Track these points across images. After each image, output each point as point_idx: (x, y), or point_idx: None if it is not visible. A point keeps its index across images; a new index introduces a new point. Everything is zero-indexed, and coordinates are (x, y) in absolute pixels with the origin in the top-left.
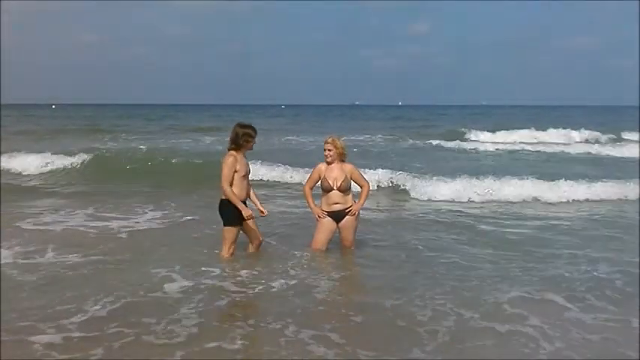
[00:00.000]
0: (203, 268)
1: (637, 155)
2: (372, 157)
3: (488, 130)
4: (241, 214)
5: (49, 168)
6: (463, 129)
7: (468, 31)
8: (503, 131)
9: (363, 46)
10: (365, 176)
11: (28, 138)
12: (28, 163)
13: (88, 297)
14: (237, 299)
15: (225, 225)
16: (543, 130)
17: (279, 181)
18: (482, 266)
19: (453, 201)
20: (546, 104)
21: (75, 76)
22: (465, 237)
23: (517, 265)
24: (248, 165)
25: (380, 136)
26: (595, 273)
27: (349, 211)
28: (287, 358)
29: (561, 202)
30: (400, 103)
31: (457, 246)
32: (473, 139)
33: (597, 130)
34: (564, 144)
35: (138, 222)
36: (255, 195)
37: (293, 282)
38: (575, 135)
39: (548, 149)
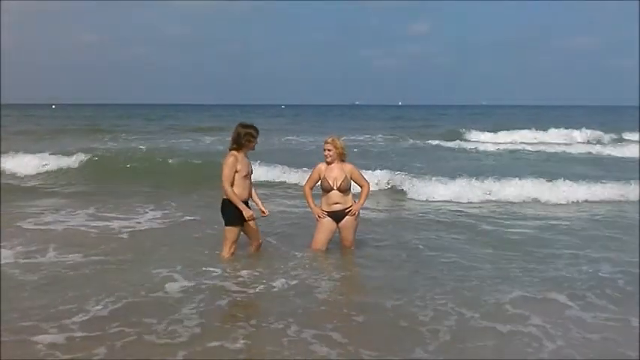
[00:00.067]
0: (204, 268)
1: (637, 155)
2: (373, 157)
3: (488, 130)
4: (242, 214)
5: (49, 168)
6: (463, 129)
7: (468, 31)
8: (503, 131)
9: (363, 46)
10: (365, 176)
11: (28, 138)
12: (28, 163)
13: (90, 297)
14: (239, 299)
15: (226, 225)
16: (544, 130)
17: (278, 181)
18: (483, 266)
19: (453, 201)
20: (546, 104)
21: (75, 76)
22: (465, 237)
23: (517, 265)
24: (250, 165)
25: (380, 136)
26: (595, 273)
27: (349, 211)
28: (290, 357)
29: (561, 202)
30: (400, 103)
31: (458, 246)
32: (473, 139)
33: (598, 130)
34: (565, 144)
35: (139, 222)
36: (257, 195)
37: (294, 282)
38: (576, 135)
39: (549, 149)
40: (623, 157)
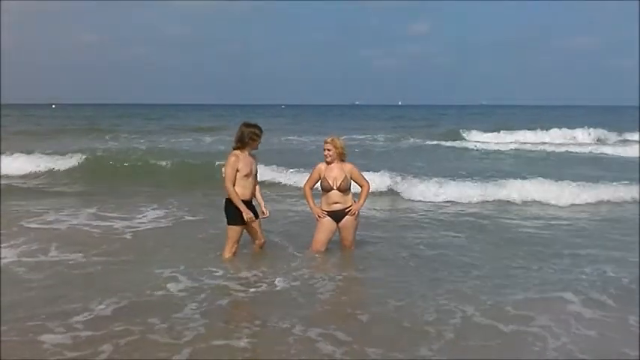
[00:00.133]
0: (207, 268)
1: (637, 155)
2: (373, 156)
3: (488, 130)
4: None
5: (49, 168)
6: (463, 129)
7: (468, 31)
8: (503, 131)
9: (363, 46)
10: (365, 176)
11: (28, 138)
12: (28, 163)
13: (94, 296)
14: (242, 299)
15: (228, 224)
16: (545, 130)
17: (278, 181)
18: (485, 265)
19: (453, 201)
20: (546, 104)
21: (75, 76)
22: (466, 236)
23: (519, 265)
24: (254, 164)
25: (380, 135)
26: (597, 272)
27: (349, 210)
28: (296, 355)
29: (562, 202)
30: (400, 103)
31: (458, 245)
32: (473, 139)
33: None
34: (565, 144)
35: (141, 222)
36: (261, 195)
37: (296, 282)
38: (577, 135)
39: (549, 149)
40: (622, 157)
